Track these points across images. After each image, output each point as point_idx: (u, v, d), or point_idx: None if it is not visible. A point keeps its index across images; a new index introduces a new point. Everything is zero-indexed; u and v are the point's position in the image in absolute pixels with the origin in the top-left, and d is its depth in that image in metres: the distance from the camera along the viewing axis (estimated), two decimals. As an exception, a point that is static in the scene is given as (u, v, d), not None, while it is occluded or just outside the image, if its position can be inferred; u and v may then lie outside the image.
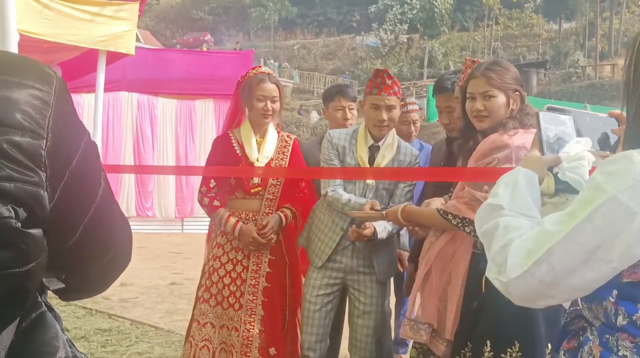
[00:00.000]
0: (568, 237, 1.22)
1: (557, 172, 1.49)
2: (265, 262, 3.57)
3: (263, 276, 3.55)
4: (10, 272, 0.89)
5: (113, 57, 6.72)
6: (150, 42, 35.04)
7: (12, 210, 0.87)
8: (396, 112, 3.43)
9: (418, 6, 46.05)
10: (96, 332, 5.34)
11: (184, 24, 56.68)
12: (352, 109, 4.31)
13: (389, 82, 3.36)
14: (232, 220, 3.54)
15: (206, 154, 13.84)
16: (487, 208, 1.46)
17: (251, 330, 3.47)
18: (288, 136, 3.78)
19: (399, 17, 47.06)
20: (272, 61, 42.39)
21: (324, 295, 3.48)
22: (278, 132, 3.74)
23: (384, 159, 3.41)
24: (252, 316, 3.50)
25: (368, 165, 3.40)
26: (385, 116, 3.36)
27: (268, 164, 3.60)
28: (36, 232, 0.91)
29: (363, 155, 3.41)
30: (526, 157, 1.55)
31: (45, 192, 0.91)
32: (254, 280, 3.53)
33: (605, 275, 1.23)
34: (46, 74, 0.97)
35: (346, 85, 4.57)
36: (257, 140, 3.63)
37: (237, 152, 3.61)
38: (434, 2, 45.40)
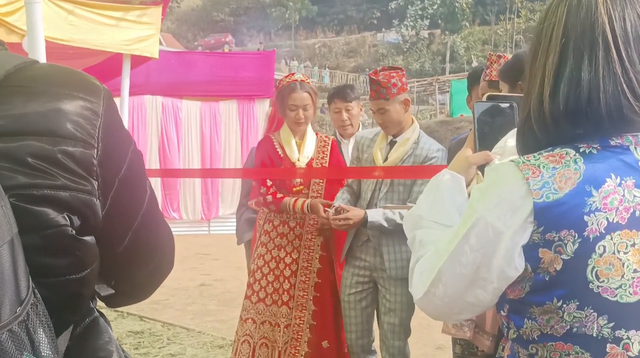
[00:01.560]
0: (452, 257, 1.20)
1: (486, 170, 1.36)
2: (316, 258, 3.68)
3: (314, 272, 3.67)
4: (66, 279, 0.91)
5: (137, 61, 6.78)
6: (172, 45, 35.27)
7: (67, 218, 0.89)
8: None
9: (439, 1, 45.89)
10: (128, 335, 5.38)
11: (205, 26, 57.05)
12: (349, 109, 4.31)
13: (374, 87, 3.42)
14: (300, 201, 3.62)
15: (231, 154, 13.82)
16: (409, 218, 1.42)
17: (301, 325, 3.60)
18: (326, 137, 3.89)
19: (419, 12, 46.91)
20: (295, 61, 42.45)
21: (355, 293, 3.55)
22: (317, 134, 3.84)
23: (395, 155, 3.44)
24: (303, 311, 3.62)
25: (381, 161, 3.45)
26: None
27: (309, 164, 3.72)
28: (90, 239, 0.93)
29: (378, 151, 3.47)
30: (455, 157, 1.47)
31: (98, 201, 0.93)
32: (304, 276, 3.65)
33: (493, 294, 1.20)
34: (94, 86, 0.99)
35: (347, 86, 4.53)
36: (296, 142, 3.75)
37: (279, 153, 3.73)
38: (455, -4, 45.20)
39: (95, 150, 0.93)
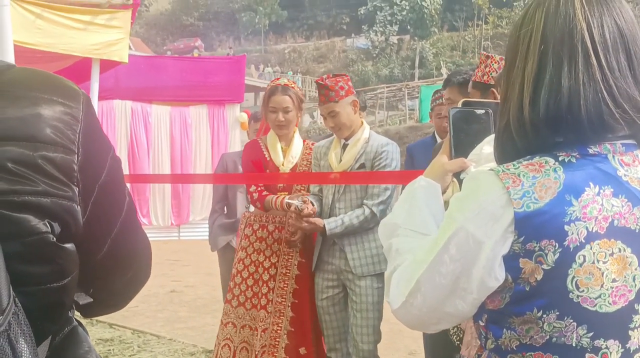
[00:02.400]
0: (431, 267, 1.18)
1: (465, 178, 1.31)
2: (295, 265, 3.69)
3: (292, 278, 3.67)
4: (47, 287, 0.90)
5: (106, 66, 6.70)
6: (141, 50, 34.97)
7: (48, 225, 0.87)
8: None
9: (407, 7, 46.18)
10: (98, 343, 5.31)
11: (174, 31, 56.65)
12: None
13: (322, 91, 3.53)
14: (280, 198, 3.66)
15: (201, 159, 13.74)
16: (384, 226, 1.40)
17: (278, 331, 3.60)
18: (313, 144, 3.93)
19: (388, 18, 47.16)
20: (264, 66, 42.35)
21: (327, 298, 3.62)
22: (304, 141, 3.90)
23: (348, 156, 3.55)
24: (281, 317, 3.62)
25: (336, 164, 3.57)
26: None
27: (293, 169, 3.77)
28: (70, 246, 0.92)
29: (333, 155, 3.60)
30: (431, 164, 1.46)
31: (78, 207, 0.92)
32: (282, 283, 3.66)
33: (472, 304, 1.20)
34: (73, 90, 0.98)
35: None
36: (282, 147, 3.81)
37: (266, 156, 3.80)
38: (423, 2, 45.54)
39: (76, 156, 0.92)
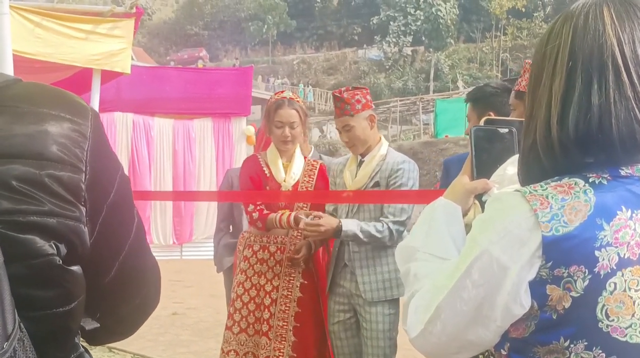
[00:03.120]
0: (452, 293, 1.17)
1: (487, 200, 1.28)
2: (297, 287, 3.65)
3: (294, 301, 3.63)
4: (53, 312, 0.89)
5: (108, 77, 6.75)
6: (143, 60, 35.21)
7: (54, 247, 0.87)
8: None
9: (422, 17, 46.31)
10: (95, 367, 5.29)
11: (177, 40, 57.08)
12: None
13: (338, 104, 3.54)
14: (285, 215, 3.61)
15: (205, 175, 13.76)
16: (402, 249, 1.39)
17: (280, 357, 3.55)
18: (314, 161, 3.91)
19: (402, 28, 47.31)
20: (274, 79, 42.51)
21: (338, 323, 3.60)
22: (305, 158, 3.87)
23: (362, 173, 3.54)
24: (282, 343, 3.58)
25: (350, 182, 3.56)
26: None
27: (295, 187, 3.74)
28: (77, 269, 0.92)
29: (347, 173, 3.60)
30: (451, 185, 1.44)
31: (86, 228, 0.92)
32: (284, 306, 3.62)
33: (495, 333, 1.18)
34: (81, 106, 0.98)
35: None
36: (283, 164, 3.77)
37: (266, 172, 3.76)
38: (439, 12, 45.67)
39: (84, 174, 0.91)
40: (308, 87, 43.44)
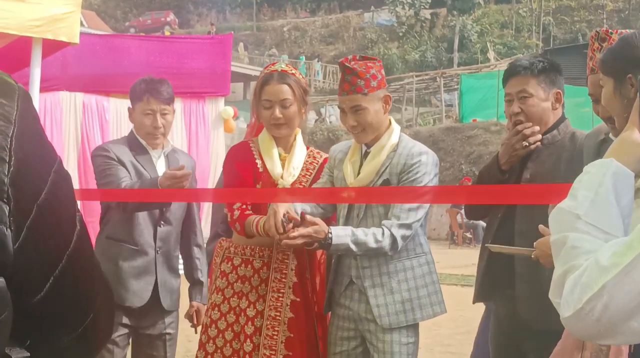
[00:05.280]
0: (623, 273, 1.23)
1: None
2: (287, 305, 3.55)
3: (285, 323, 3.52)
4: None
5: (51, 47, 6.73)
6: (96, 26, 35.23)
7: None
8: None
9: (444, -28, 46.34)
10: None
11: (139, 2, 57.03)
12: (166, 113, 4.33)
13: (348, 77, 3.42)
14: (263, 219, 3.41)
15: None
16: (560, 213, 1.44)
17: None
18: (318, 153, 3.84)
19: (419, -14, 47.34)
20: (263, 49, 42.44)
21: (341, 353, 3.53)
22: (307, 147, 3.78)
23: (368, 169, 3.46)
24: None
25: (352, 178, 3.47)
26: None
27: (294, 184, 3.64)
28: None
29: (349, 166, 3.50)
30: (619, 142, 1.48)
31: (9, 230, 0.92)
32: (271, 330, 3.50)
33: None
34: (6, 84, 0.98)
35: (162, 81, 4.40)
36: (280, 155, 3.67)
37: (258, 166, 3.66)
38: (465, -34, 45.72)
39: (7, 166, 0.92)
40: (318, 61, 43.21)
